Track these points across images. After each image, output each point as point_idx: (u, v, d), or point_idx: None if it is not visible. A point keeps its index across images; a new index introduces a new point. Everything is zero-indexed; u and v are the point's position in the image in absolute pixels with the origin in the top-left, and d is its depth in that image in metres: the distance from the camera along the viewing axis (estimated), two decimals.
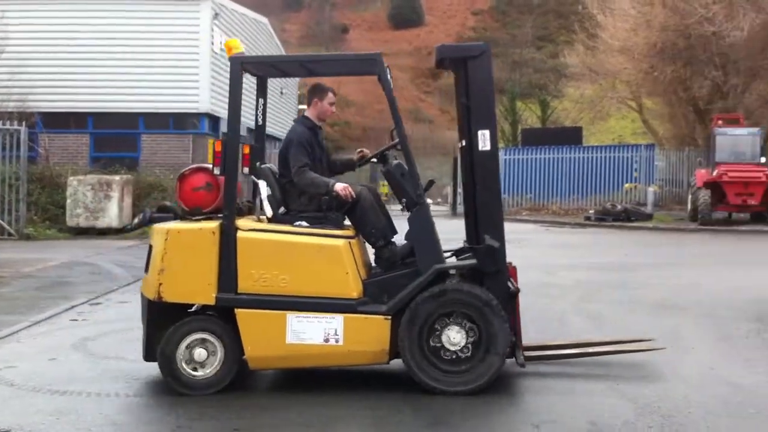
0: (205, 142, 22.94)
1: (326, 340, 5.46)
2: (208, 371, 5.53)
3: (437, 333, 5.50)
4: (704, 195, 21.62)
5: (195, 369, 5.53)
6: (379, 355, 5.52)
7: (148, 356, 5.79)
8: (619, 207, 24.80)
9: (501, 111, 47.41)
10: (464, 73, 5.94)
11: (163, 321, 5.63)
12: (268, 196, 5.79)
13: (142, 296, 5.86)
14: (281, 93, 34.23)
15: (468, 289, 5.56)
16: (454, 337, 5.46)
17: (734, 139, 22.74)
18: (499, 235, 5.76)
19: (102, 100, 22.02)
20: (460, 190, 32.63)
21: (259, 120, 6.52)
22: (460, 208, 32.34)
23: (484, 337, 5.47)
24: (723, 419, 5.01)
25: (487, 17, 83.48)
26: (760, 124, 25.51)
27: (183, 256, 5.55)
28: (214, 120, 23.69)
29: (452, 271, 5.78)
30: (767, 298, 9.60)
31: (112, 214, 18.26)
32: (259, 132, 6.52)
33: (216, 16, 23.14)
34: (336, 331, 5.45)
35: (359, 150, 6.51)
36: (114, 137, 22.78)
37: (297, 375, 6.00)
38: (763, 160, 22.54)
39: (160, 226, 5.75)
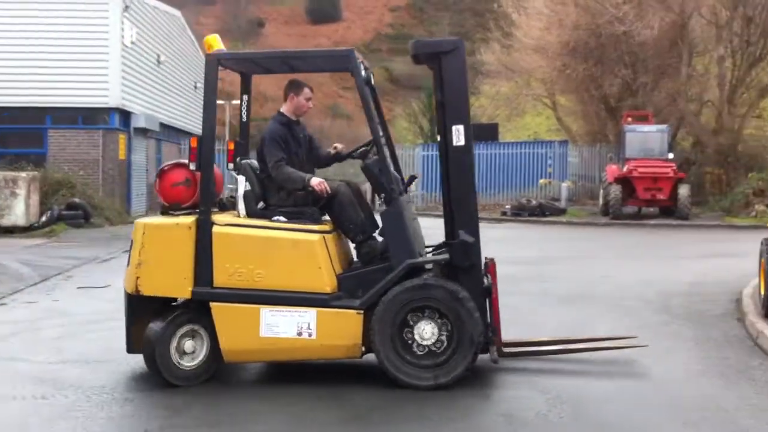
0: (116, 138, 22.31)
1: (299, 334, 5.51)
2: (196, 362, 5.65)
3: (410, 327, 5.52)
4: (615, 190, 22.21)
5: (184, 360, 5.63)
6: (352, 349, 5.55)
7: (131, 349, 5.88)
8: (534, 202, 25.25)
9: (419, 107, 47.75)
10: (438, 68, 5.91)
11: (143, 314, 5.72)
12: (247, 192, 5.87)
13: (124, 289, 5.86)
14: (195, 87, 33.57)
15: (438, 283, 5.54)
16: (426, 331, 5.47)
17: (643, 136, 23.43)
18: (474, 230, 5.72)
19: (6, 95, 21.14)
20: None
21: (243, 116, 6.63)
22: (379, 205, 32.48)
23: (454, 332, 5.47)
24: (636, 410, 5.10)
25: (405, 14, 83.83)
26: (668, 121, 26.38)
27: (160, 250, 5.65)
28: (125, 115, 23.04)
29: (429, 266, 5.79)
30: (674, 290, 9.90)
31: (18, 212, 17.54)
32: (243, 128, 6.62)
33: (126, 8, 22.50)
34: (309, 325, 5.51)
35: (334, 146, 6.58)
36: (19, 133, 21.90)
37: (230, 369, 5.86)
38: (670, 156, 23.30)
39: (139, 221, 5.87)
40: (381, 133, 5.97)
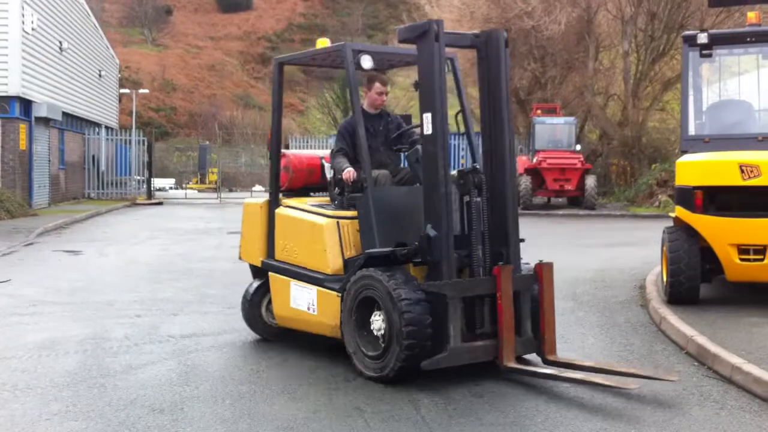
0: (16, 127, 21.40)
1: (308, 309, 6.07)
2: None
3: (371, 317, 5.47)
4: (525, 181, 22.61)
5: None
6: (335, 329, 5.80)
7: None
8: None
9: (332, 98, 47.58)
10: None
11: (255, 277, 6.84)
12: (331, 179, 6.41)
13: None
14: (99, 75, 32.54)
15: (374, 275, 5.40)
16: (376, 322, 5.42)
17: (552, 128, 23.93)
18: (439, 224, 5.42)
19: None
20: None
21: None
22: None
23: (387, 329, 5.34)
24: (540, 393, 5.16)
25: (317, 3, 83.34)
26: (576, 114, 27.02)
27: (249, 224, 6.82)
28: (26, 103, 22.12)
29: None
30: (581, 277, 10.11)
31: None
32: None
33: None
34: (313, 301, 6.01)
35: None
36: None
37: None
38: (578, 147, 23.87)
39: (246, 200, 7.05)
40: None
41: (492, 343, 5.40)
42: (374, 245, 5.61)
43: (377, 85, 6.41)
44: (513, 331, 5.39)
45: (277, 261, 6.41)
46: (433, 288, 5.31)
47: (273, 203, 6.59)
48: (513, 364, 5.37)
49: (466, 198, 5.70)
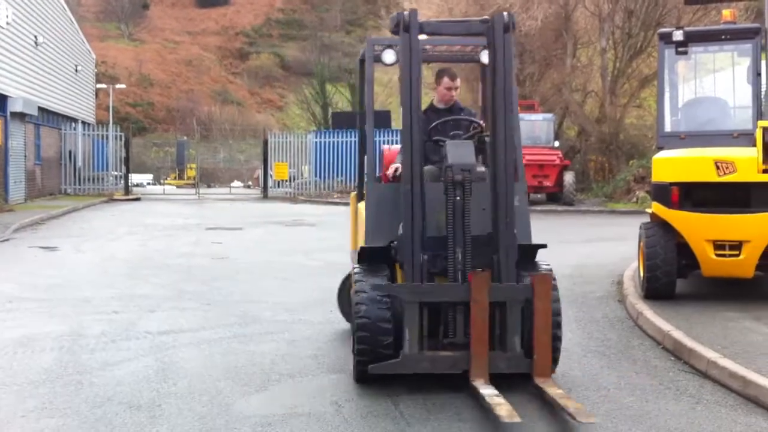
0: None
1: None
2: None
3: None
4: None
5: None
6: None
7: None
8: None
9: (311, 94, 47.44)
10: None
11: None
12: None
13: None
14: (76, 70, 32.26)
15: (354, 276, 5.36)
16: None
17: (530, 125, 23.99)
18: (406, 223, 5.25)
19: None
20: (271, 172, 32.44)
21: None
22: (272, 192, 32.20)
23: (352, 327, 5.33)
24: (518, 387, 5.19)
25: None
26: (554, 110, 27.14)
27: (352, 216, 7.10)
28: (1, 98, 21.88)
29: None
30: (558, 272, 9.95)
31: None
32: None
33: None
34: None
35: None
36: None
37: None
38: (556, 144, 23.98)
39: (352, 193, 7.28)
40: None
41: (464, 355, 4.98)
42: (366, 241, 5.52)
43: (445, 79, 6.24)
44: (486, 346, 4.93)
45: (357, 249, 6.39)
46: (390, 290, 5.10)
47: (359, 196, 6.82)
48: (478, 382, 4.85)
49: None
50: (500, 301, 5.04)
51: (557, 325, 5.24)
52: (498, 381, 4.89)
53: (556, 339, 5.24)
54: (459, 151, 5.37)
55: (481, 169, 5.30)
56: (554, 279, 5.25)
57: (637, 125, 30.94)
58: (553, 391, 4.79)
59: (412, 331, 4.98)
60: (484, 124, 5.91)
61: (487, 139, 5.66)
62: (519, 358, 5.04)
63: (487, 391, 4.72)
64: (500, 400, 4.57)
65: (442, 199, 5.24)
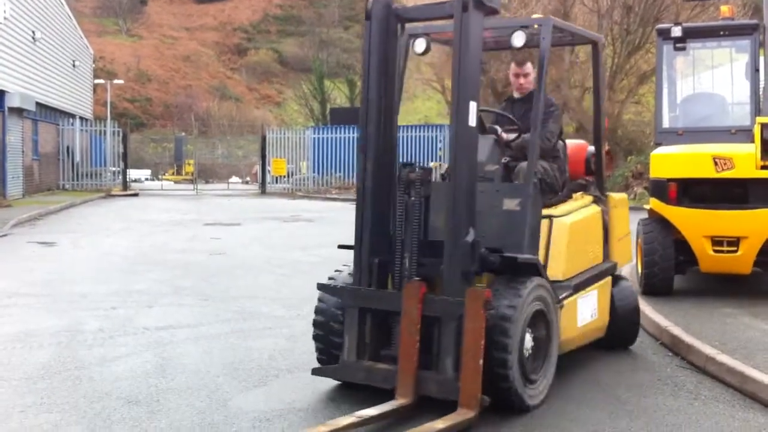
0: None
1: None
2: None
3: None
4: None
5: None
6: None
7: None
8: None
9: (309, 90, 47.40)
10: None
11: None
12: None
13: None
14: (73, 66, 32.21)
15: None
16: None
17: None
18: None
19: None
20: (269, 168, 32.43)
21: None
22: (270, 187, 32.18)
23: None
24: None
25: None
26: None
27: None
28: None
29: None
30: None
31: None
32: None
33: None
34: None
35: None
36: None
37: None
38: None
39: None
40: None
41: (396, 371, 4.55)
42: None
43: (512, 66, 5.88)
44: (414, 363, 4.44)
45: None
46: (334, 292, 4.92)
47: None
48: (401, 402, 4.41)
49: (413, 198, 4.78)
50: (436, 316, 4.49)
51: (502, 348, 4.40)
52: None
53: (499, 365, 4.41)
54: None
55: (491, 168, 5.21)
56: (520, 294, 4.52)
57: (635, 121, 30.94)
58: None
59: (351, 337, 4.75)
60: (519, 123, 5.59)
61: (525, 136, 5.46)
62: (450, 383, 4.38)
63: (367, 412, 4.27)
64: (348, 421, 4.15)
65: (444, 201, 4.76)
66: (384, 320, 4.78)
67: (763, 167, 7.47)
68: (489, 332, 4.37)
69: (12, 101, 22.33)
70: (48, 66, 27.67)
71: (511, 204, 4.99)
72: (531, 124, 5.15)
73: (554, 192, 5.56)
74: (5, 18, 22.10)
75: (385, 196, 4.84)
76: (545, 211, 5.23)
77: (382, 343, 4.77)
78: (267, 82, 72.77)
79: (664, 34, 8.68)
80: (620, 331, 6.05)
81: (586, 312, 5.50)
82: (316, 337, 5.14)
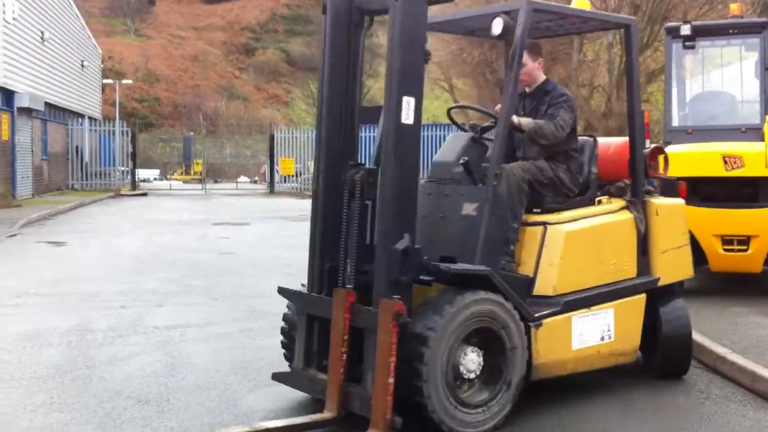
0: None
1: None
2: None
3: None
4: None
5: None
6: None
7: None
8: None
9: (315, 91, 47.42)
10: None
11: None
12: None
13: None
14: (82, 66, 32.32)
15: None
16: None
17: None
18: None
19: None
20: (277, 167, 32.46)
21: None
22: (278, 187, 32.22)
23: None
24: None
25: None
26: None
27: None
28: (8, 94, 21.93)
29: None
30: None
31: None
32: None
33: None
34: None
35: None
36: None
37: None
38: None
39: None
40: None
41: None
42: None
43: None
44: (339, 376, 4.19)
45: None
46: (288, 296, 4.83)
47: None
48: (326, 416, 4.21)
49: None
50: (362, 328, 4.22)
51: (415, 374, 4.02)
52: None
53: (415, 392, 4.04)
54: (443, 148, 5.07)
55: (459, 170, 4.77)
56: (442, 312, 4.10)
57: None
58: None
59: (300, 344, 4.60)
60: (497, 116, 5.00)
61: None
62: (370, 399, 4.08)
63: (267, 424, 4.09)
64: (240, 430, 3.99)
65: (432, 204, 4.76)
66: (329, 328, 4.40)
67: None
68: (407, 352, 4.04)
69: (21, 101, 22.42)
70: (57, 66, 27.77)
71: (469, 209, 4.61)
72: (504, 116, 4.67)
73: (563, 195, 5.01)
74: (14, 18, 22.19)
75: (340, 199, 4.50)
76: (539, 218, 4.82)
77: (327, 352, 4.38)
78: (275, 82, 72.84)
79: (674, 33, 8.66)
80: (668, 359, 5.28)
81: (591, 333, 4.83)
82: (281, 344, 5.07)
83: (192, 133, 46.96)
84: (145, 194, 28.80)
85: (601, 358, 4.94)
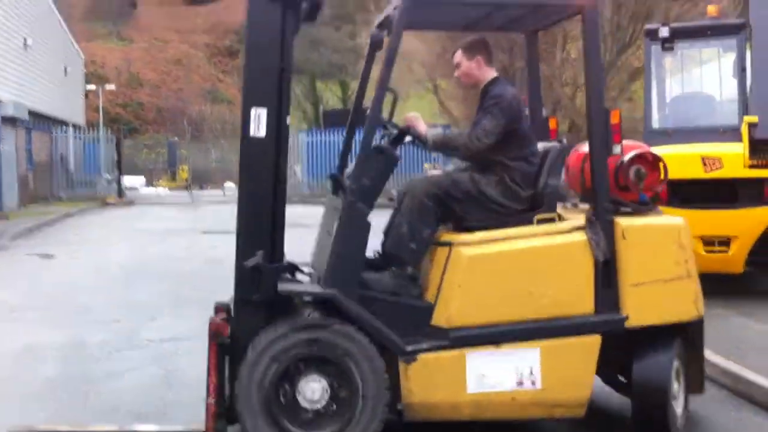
0: None
1: None
2: None
3: None
4: None
5: None
6: None
7: None
8: None
9: (302, 92, 47.45)
10: None
11: None
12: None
13: None
14: (65, 72, 32.23)
15: None
16: None
17: None
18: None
19: None
20: None
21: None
22: None
23: None
24: None
25: None
26: (544, 105, 27.23)
27: None
28: None
29: None
30: None
31: None
32: None
33: None
34: None
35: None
36: None
37: None
38: None
39: None
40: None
41: None
42: None
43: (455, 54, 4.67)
44: (215, 395, 4.22)
45: None
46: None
47: None
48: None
49: None
50: None
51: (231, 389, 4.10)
52: None
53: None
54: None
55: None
56: (258, 337, 3.98)
57: (628, 118, 31.00)
58: None
59: None
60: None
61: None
62: None
63: None
64: None
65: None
66: None
67: (752, 166, 7.59)
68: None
69: (6, 110, 22.35)
70: (40, 73, 27.69)
71: (332, 226, 4.24)
72: (367, 124, 4.22)
73: (491, 211, 4.31)
74: None
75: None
76: (449, 237, 4.22)
77: None
78: None
79: (652, 35, 8.82)
80: (638, 413, 4.31)
81: (500, 376, 4.07)
82: None
83: (176, 138, 46.82)
84: (131, 203, 28.74)
85: (521, 407, 4.13)
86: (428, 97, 39.82)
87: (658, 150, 8.14)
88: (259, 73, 4.06)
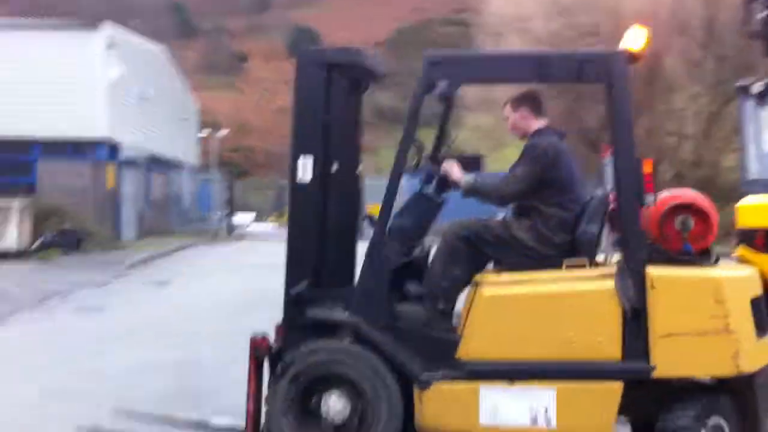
0: (103, 168, 22.67)
1: None
2: None
3: None
4: None
5: None
6: None
7: None
8: None
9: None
10: None
11: None
12: None
13: None
14: (181, 119, 33.90)
15: None
16: None
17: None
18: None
19: None
20: (366, 213, 33.06)
21: None
22: (367, 232, 32.60)
23: None
24: None
25: (383, 49, 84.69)
26: (648, 155, 26.84)
27: None
28: (114, 146, 23.47)
29: None
30: None
31: (11, 238, 17.86)
32: None
33: (111, 45, 23.06)
34: None
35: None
36: (8, 163, 22.15)
37: None
38: None
39: None
40: None
41: None
42: None
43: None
44: (254, 401, 4.63)
45: None
46: None
47: None
48: None
49: None
50: None
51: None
52: None
53: None
54: None
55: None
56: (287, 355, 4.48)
57: (734, 168, 30.32)
58: None
59: None
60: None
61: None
62: None
63: None
64: None
65: None
66: None
67: None
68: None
69: (126, 153, 23.99)
70: (157, 120, 29.41)
71: None
72: (393, 169, 4.82)
73: (524, 255, 4.40)
74: (118, 78, 23.72)
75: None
76: (480, 277, 4.42)
77: None
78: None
79: (745, 91, 8.89)
80: None
81: (513, 412, 4.17)
82: None
83: (285, 181, 48.18)
84: (241, 238, 29.74)
85: None
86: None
87: (755, 199, 8.28)
88: (306, 127, 4.57)
